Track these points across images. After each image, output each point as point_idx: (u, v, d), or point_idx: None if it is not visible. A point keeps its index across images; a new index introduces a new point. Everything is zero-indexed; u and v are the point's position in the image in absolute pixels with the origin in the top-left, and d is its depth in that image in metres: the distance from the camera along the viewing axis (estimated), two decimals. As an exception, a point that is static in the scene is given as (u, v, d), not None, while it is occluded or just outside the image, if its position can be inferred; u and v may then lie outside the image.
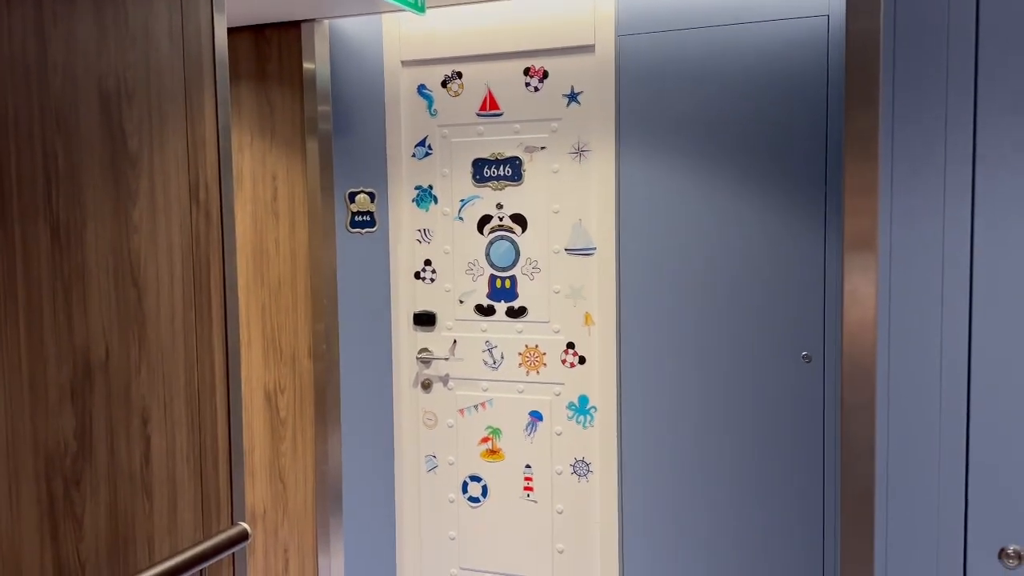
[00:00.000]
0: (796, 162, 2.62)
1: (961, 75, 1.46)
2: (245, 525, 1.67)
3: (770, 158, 2.65)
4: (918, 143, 1.49)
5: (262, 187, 3.14)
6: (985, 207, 1.47)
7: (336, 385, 3.14)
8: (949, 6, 1.47)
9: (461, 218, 3.05)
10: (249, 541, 1.67)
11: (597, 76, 2.80)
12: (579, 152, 2.88)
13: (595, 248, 2.88)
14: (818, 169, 2.60)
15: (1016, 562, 1.40)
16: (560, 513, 3.00)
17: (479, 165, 3.01)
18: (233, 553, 1.69)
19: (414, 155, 3.09)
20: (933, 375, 1.50)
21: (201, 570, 1.54)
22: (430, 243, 3.10)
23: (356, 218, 3.13)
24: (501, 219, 3.00)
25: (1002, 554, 1.41)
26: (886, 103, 1.47)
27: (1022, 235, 1.47)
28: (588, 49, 2.82)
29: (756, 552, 2.74)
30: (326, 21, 3.06)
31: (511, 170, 2.97)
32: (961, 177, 1.47)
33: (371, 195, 3.11)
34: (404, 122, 3.08)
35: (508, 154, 2.97)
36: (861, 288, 1.42)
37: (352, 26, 3.09)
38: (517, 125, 2.95)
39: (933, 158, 1.48)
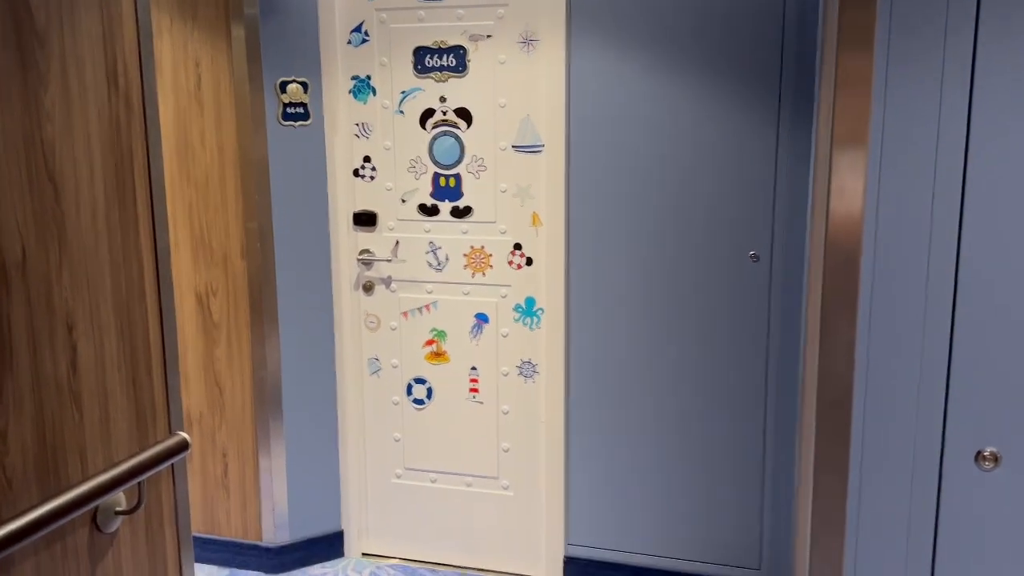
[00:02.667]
0: (752, 59, 2.54)
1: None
2: (184, 435, 1.59)
3: (726, 54, 2.55)
4: (915, 34, 1.42)
5: (184, 75, 2.91)
6: (983, 101, 1.41)
7: (272, 287, 3.01)
8: None
9: (402, 112, 2.89)
10: (189, 451, 1.59)
11: (547, -41, 2.63)
12: (527, 42, 2.73)
13: (543, 145, 2.78)
14: (774, 66, 2.52)
15: (992, 464, 1.42)
16: (506, 413, 2.99)
17: (421, 54, 2.84)
18: (172, 464, 1.61)
19: (350, 42, 2.89)
20: (919, 275, 1.47)
21: (139, 483, 1.46)
22: (369, 138, 2.94)
23: (288, 110, 2.94)
24: (445, 113, 2.86)
25: (978, 456, 1.43)
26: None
27: (1019, 130, 1.42)
28: (537, -71, 2.64)
29: (699, 450, 2.79)
30: None
31: (455, 60, 2.81)
32: (959, 71, 1.41)
33: (304, 85, 2.92)
34: (338, 5, 2.87)
35: (452, 43, 2.80)
36: (849, 182, 1.37)
37: None
38: (461, 11, 2.77)
39: (931, 51, 1.42)
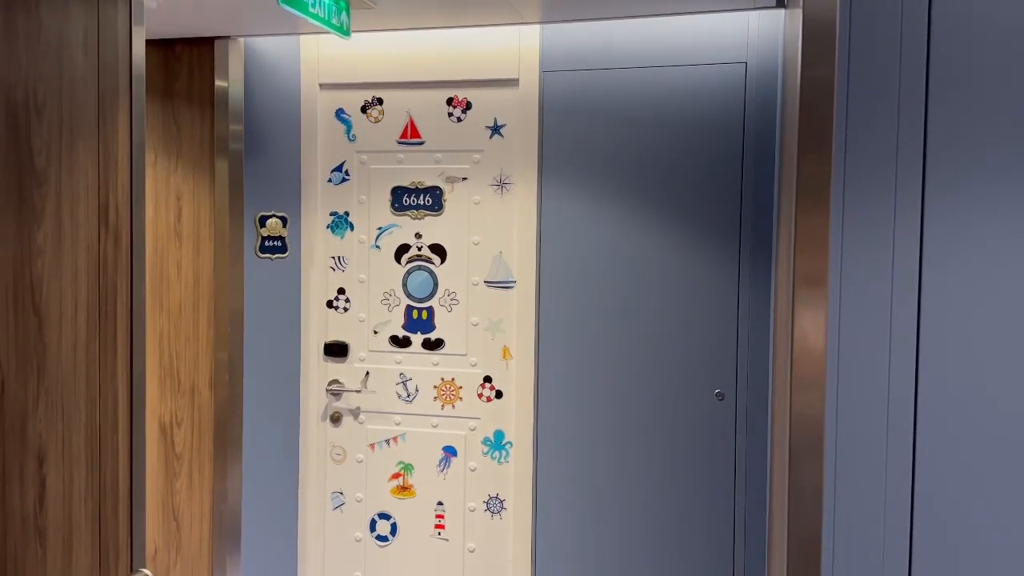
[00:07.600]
0: (713, 202, 2.68)
1: (911, 123, 1.51)
2: (148, 572, 1.55)
3: (688, 197, 2.70)
4: (868, 189, 1.53)
5: (164, 208, 2.99)
6: (933, 251, 1.51)
7: (238, 418, 2.99)
8: (900, 58, 1.52)
9: (378, 247, 2.98)
10: (151, 590, 1.55)
11: (520, 110, 2.80)
12: (501, 184, 2.87)
13: (515, 281, 2.86)
14: (734, 209, 2.67)
15: None
16: (472, 552, 2.93)
17: (398, 193, 2.95)
18: (131, 603, 1.56)
19: (330, 180, 3.00)
20: (880, 425, 1.52)
21: (97, 624, 1.41)
22: (344, 271, 3.01)
23: (266, 243, 3.02)
24: (420, 249, 2.95)
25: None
26: (837, 149, 1.51)
27: (968, 280, 1.51)
28: (512, 83, 2.82)
29: (667, 589, 2.75)
30: (241, 39, 2.96)
31: (431, 200, 2.92)
32: (910, 221, 1.52)
33: (283, 219, 3.01)
34: (321, 146, 3.00)
35: (428, 183, 2.92)
36: (811, 336, 1.45)
37: (269, 45, 2.99)
38: (439, 155, 2.91)
39: (882, 202, 1.52)
